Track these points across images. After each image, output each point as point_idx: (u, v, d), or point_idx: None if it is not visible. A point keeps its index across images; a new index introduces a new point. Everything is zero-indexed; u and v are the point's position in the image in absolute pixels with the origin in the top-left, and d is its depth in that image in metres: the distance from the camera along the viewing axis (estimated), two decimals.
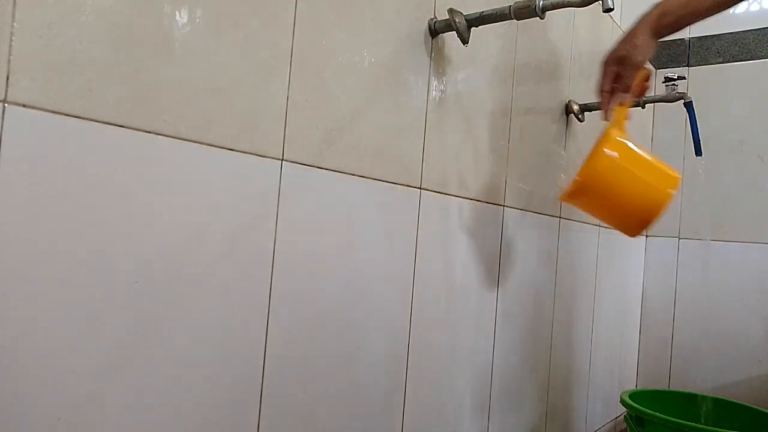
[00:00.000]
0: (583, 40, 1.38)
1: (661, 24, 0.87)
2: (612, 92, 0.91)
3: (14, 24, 0.45)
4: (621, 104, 0.90)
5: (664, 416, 1.19)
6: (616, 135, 0.87)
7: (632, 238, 1.78)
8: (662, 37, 0.89)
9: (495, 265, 1.10)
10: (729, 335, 1.72)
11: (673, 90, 1.31)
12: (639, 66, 0.88)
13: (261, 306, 0.66)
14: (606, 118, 0.92)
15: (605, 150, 0.84)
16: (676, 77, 1.30)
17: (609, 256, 1.61)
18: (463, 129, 0.98)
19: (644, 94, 0.94)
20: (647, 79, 0.92)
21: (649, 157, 0.88)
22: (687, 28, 1.97)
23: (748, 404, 1.42)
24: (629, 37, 0.88)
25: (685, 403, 1.47)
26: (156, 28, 0.55)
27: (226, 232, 0.62)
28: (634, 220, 0.88)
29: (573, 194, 0.87)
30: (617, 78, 0.90)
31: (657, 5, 0.88)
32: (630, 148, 0.86)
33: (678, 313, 1.82)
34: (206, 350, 0.61)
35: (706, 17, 0.91)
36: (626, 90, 0.89)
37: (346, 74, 0.75)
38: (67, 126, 0.49)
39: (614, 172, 0.84)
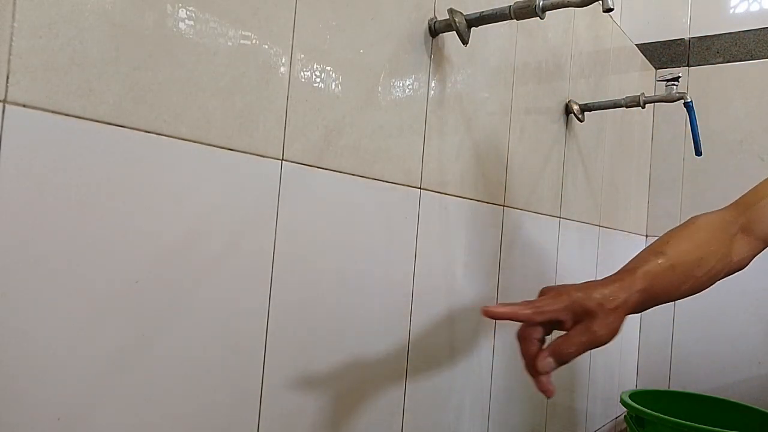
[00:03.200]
0: (583, 40, 1.38)
1: (639, 309, 0.65)
2: (540, 341, 0.64)
3: (14, 24, 0.45)
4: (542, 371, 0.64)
5: (664, 416, 1.19)
6: None
7: (632, 239, 1.78)
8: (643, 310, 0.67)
9: (495, 265, 1.10)
10: (729, 335, 1.72)
11: (673, 90, 1.31)
12: (599, 342, 0.62)
13: (261, 306, 0.66)
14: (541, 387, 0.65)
15: None
16: (670, 77, 1.30)
17: (609, 256, 1.61)
18: (463, 129, 0.98)
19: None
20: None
21: None
22: (687, 28, 1.97)
23: (748, 404, 1.42)
24: (605, 302, 0.61)
25: (685, 403, 1.47)
26: (156, 28, 0.55)
27: (226, 232, 0.62)
28: None
29: None
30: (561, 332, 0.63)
31: (642, 291, 0.64)
32: None
33: (678, 313, 1.82)
34: (206, 350, 0.61)
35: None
36: (560, 356, 0.64)
37: (346, 74, 0.75)
38: (67, 126, 0.49)
39: None
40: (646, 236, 1.88)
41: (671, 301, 0.70)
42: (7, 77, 0.45)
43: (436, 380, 0.96)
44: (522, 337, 0.64)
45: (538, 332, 0.64)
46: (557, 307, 0.62)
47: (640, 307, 0.65)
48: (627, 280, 0.64)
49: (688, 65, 1.84)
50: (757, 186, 0.76)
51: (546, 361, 0.64)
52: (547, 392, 0.64)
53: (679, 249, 0.71)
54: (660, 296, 0.67)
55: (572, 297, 0.61)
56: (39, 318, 0.48)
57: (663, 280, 0.67)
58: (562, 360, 0.63)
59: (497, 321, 1.11)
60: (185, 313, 0.58)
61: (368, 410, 0.82)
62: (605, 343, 0.62)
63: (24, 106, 0.46)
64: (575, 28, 1.34)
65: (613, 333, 0.62)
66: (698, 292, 0.74)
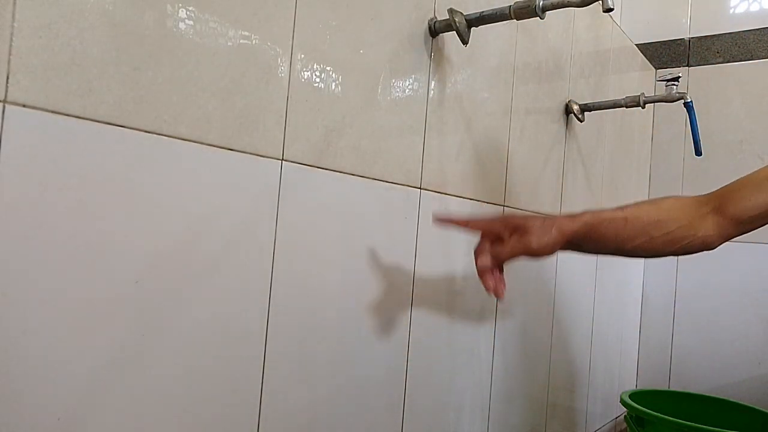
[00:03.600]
0: (583, 40, 1.38)
1: (577, 238, 0.71)
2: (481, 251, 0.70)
3: (14, 24, 0.45)
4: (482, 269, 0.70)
5: (664, 416, 1.19)
6: None
7: None
8: (565, 249, 0.73)
9: None
10: (729, 335, 1.72)
11: (673, 90, 1.31)
12: (531, 251, 0.68)
13: (261, 305, 0.66)
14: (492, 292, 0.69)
15: None
16: (670, 77, 1.30)
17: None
18: (463, 129, 0.98)
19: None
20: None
21: None
22: (687, 28, 1.97)
23: (748, 404, 1.42)
24: (544, 219, 0.70)
25: (685, 403, 1.47)
26: (156, 28, 0.55)
27: (226, 232, 0.62)
28: None
29: None
30: (496, 243, 0.70)
31: (585, 223, 0.71)
32: None
33: (678, 314, 1.82)
34: (206, 350, 0.61)
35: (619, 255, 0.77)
36: (495, 263, 0.69)
37: (346, 74, 0.75)
38: (67, 126, 0.49)
39: None
40: None
41: (623, 253, 0.75)
42: (7, 77, 0.45)
43: (436, 380, 0.96)
44: (475, 252, 0.71)
45: (483, 244, 0.71)
46: (492, 219, 0.73)
47: (579, 239, 0.72)
48: (573, 215, 0.73)
49: (688, 65, 1.84)
50: (737, 179, 0.78)
51: (483, 257, 0.70)
52: (495, 292, 0.69)
53: (639, 208, 0.75)
54: (606, 239, 0.72)
55: (509, 215, 0.72)
56: (39, 318, 0.48)
57: (611, 226, 0.72)
58: (498, 258, 0.69)
59: (497, 321, 1.11)
60: (185, 313, 0.58)
61: (368, 410, 0.82)
62: (537, 255, 0.69)
63: (24, 106, 0.46)
64: (575, 28, 1.34)
65: (545, 247, 0.69)
66: (656, 255, 0.77)
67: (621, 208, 0.75)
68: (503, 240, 0.70)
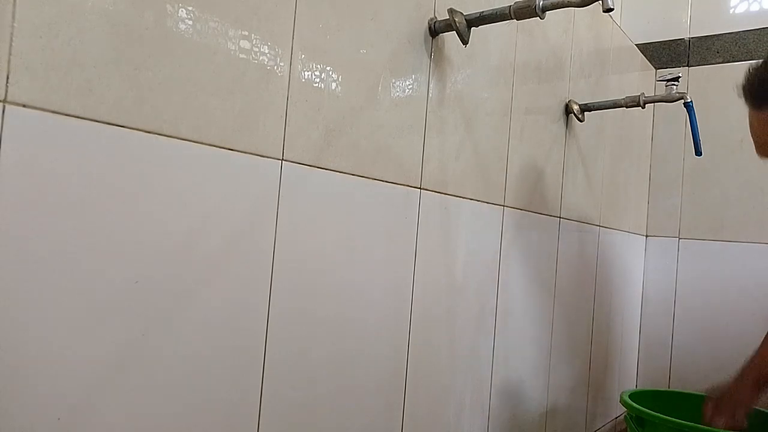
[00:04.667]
0: (583, 40, 1.38)
1: (758, 380, 1.02)
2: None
3: (14, 24, 0.45)
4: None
5: (664, 416, 1.19)
6: None
7: (632, 239, 1.78)
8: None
9: (495, 265, 1.10)
10: (729, 335, 1.72)
11: (673, 90, 1.31)
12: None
13: (261, 305, 0.66)
14: None
15: None
16: (670, 77, 1.30)
17: (609, 256, 1.61)
18: (463, 129, 0.98)
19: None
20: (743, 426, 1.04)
21: None
22: (687, 28, 1.97)
23: None
24: (737, 389, 1.04)
25: (685, 403, 1.47)
26: (156, 28, 0.55)
27: (225, 232, 0.62)
28: None
29: None
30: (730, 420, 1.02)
31: (752, 365, 1.05)
32: None
33: (678, 314, 1.82)
34: (206, 350, 0.61)
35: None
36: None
37: (347, 74, 0.75)
38: (67, 126, 0.49)
39: None
40: (646, 236, 1.88)
41: None
42: (7, 77, 0.45)
43: (436, 380, 0.96)
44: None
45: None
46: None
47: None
48: (739, 388, 1.05)
49: (688, 65, 1.84)
50: None
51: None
52: None
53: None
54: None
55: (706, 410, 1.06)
56: (39, 318, 0.48)
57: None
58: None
59: (497, 320, 1.11)
60: (185, 312, 0.58)
61: (368, 410, 0.82)
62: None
63: (24, 106, 0.46)
64: (575, 28, 1.34)
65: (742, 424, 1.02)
66: None
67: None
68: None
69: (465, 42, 0.88)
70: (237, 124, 0.62)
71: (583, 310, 1.48)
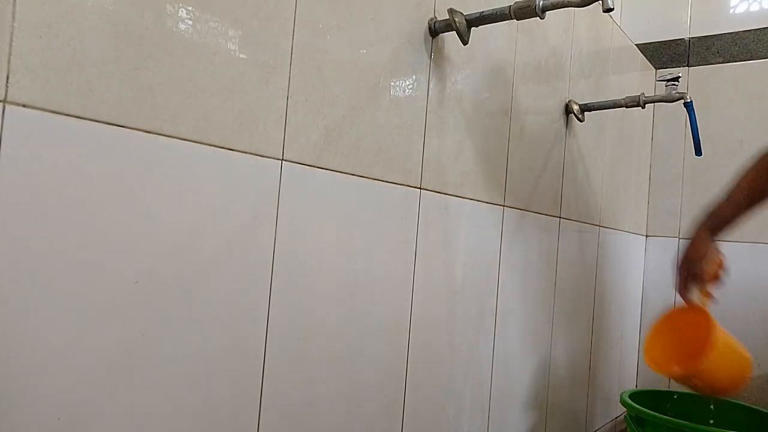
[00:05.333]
0: (583, 40, 1.38)
1: (714, 226, 1.01)
2: (688, 288, 1.02)
3: (14, 24, 0.45)
4: (702, 292, 1.02)
5: (664, 416, 1.19)
6: (717, 328, 0.98)
7: (632, 239, 1.78)
8: (720, 235, 1.01)
9: (495, 265, 1.10)
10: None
11: (673, 90, 1.31)
12: (707, 274, 1.00)
13: (261, 305, 0.66)
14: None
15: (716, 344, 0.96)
16: (669, 77, 1.30)
17: (609, 256, 1.61)
18: (463, 129, 0.98)
19: (719, 279, 1.03)
20: (720, 266, 1.02)
21: (731, 342, 1.02)
22: (687, 28, 1.98)
23: (748, 404, 1.42)
24: (691, 242, 1.01)
25: (685, 403, 1.47)
26: (156, 28, 0.55)
27: (225, 232, 0.62)
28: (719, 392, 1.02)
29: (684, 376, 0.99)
30: (690, 277, 1.01)
31: (707, 212, 1.03)
32: (726, 339, 1.00)
33: None
34: (206, 350, 0.61)
35: (751, 211, 1.01)
36: (701, 283, 1.00)
37: (347, 74, 0.75)
38: (67, 126, 0.49)
39: (718, 362, 0.98)
40: (646, 236, 1.88)
41: (741, 216, 1.00)
42: (7, 77, 0.45)
43: (436, 380, 0.96)
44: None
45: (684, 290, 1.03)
46: (680, 281, 1.03)
47: (722, 231, 1.01)
48: (702, 224, 1.02)
49: (688, 65, 1.84)
50: None
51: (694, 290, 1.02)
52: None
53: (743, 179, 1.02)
54: (739, 219, 1.01)
55: (680, 266, 1.02)
56: (39, 318, 0.48)
57: (730, 209, 1.02)
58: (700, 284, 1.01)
59: (497, 320, 1.11)
60: (185, 312, 0.58)
61: (368, 410, 0.82)
62: (710, 271, 1.00)
63: (24, 106, 0.46)
64: (575, 28, 1.34)
65: (710, 264, 1.00)
66: None
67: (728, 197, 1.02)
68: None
69: (465, 42, 0.88)
70: (237, 124, 0.62)
71: (583, 310, 1.48)
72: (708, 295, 1.02)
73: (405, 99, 0.85)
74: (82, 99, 0.50)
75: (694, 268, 1.00)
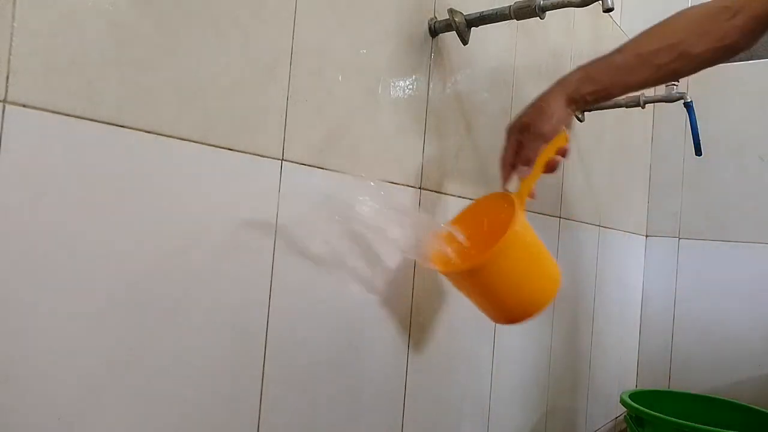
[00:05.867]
0: (583, 40, 1.38)
1: (580, 91, 0.75)
2: (514, 164, 0.78)
3: (14, 24, 0.45)
4: (523, 178, 0.77)
5: (664, 416, 1.19)
6: (521, 222, 0.73)
7: (632, 239, 1.78)
8: (581, 108, 0.79)
9: None
10: (729, 336, 1.72)
11: (673, 90, 1.31)
12: (544, 137, 0.75)
13: (261, 306, 0.66)
14: (503, 189, 0.79)
15: (510, 240, 0.70)
16: None
17: (609, 256, 1.61)
18: (463, 129, 0.98)
19: (555, 168, 0.79)
20: (562, 152, 0.78)
21: (541, 250, 0.79)
22: None
23: (748, 404, 1.42)
24: (538, 101, 0.76)
25: (685, 403, 1.47)
26: (156, 28, 0.55)
27: (225, 232, 0.62)
28: (513, 313, 0.78)
29: (463, 274, 0.75)
30: (520, 148, 0.77)
31: (579, 69, 0.77)
32: (530, 241, 0.76)
33: (678, 314, 1.81)
34: (206, 350, 0.61)
35: (636, 91, 0.80)
36: (526, 163, 0.76)
37: (346, 74, 0.75)
38: (67, 126, 0.49)
39: (513, 264, 0.73)
40: (646, 236, 1.88)
41: (637, 87, 0.77)
42: (7, 77, 0.45)
43: (436, 381, 0.96)
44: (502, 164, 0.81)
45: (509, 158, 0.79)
46: (506, 144, 0.79)
47: (585, 94, 0.75)
48: (564, 80, 0.77)
49: None
50: None
51: (520, 168, 0.77)
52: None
53: (635, 41, 0.76)
54: (610, 84, 0.75)
55: (510, 127, 0.79)
56: (39, 318, 0.48)
57: (605, 66, 0.76)
58: (527, 161, 0.76)
59: (496, 325, 1.11)
60: (185, 313, 0.58)
61: (368, 411, 0.82)
62: (550, 133, 0.75)
63: (24, 106, 0.46)
64: (575, 28, 1.34)
65: (556, 130, 0.75)
66: (674, 78, 0.79)
67: (618, 49, 0.76)
68: (522, 146, 0.76)
69: (465, 42, 0.88)
70: (237, 124, 0.62)
71: (583, 310, 1.48)
72: (530, 183, 0.77)
73: (405, 99, 0.85)
74: (82, 99, 0.50)
75: (529, 144, 0.75)
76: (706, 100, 1.77)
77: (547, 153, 0.77)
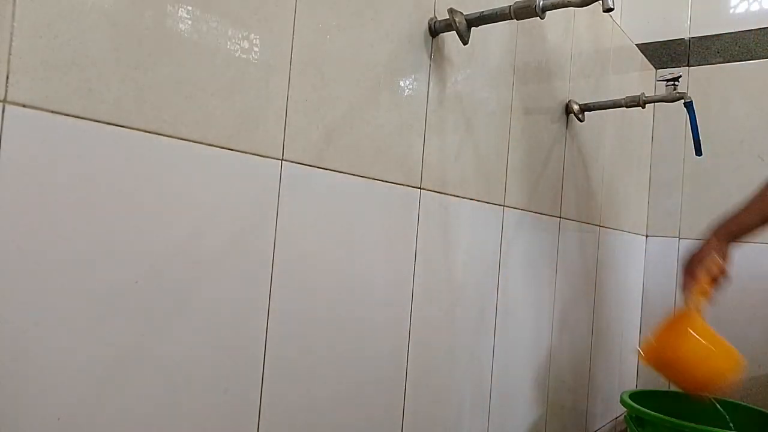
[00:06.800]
0: (583, 40, 1.38)
1: (726, 232, 1.03)
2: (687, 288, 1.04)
3: (14, 24, 0.45)
4: (697, 292, 1.02)
5: (664, 416, 1.19)
6: (698, 320, 1.00)
7: (632, 239, 1.78)
8: (732, 242, 1.05)
9: (495, 265, 1.10)
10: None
11: (674, 90, 1.31)
12: (704, 264, 1.02)
13: (261, 305, 0.66)
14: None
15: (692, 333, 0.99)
16: (670, 77, 1.30)
17: (609, 256, 1.61)
18: (463, 129, 0.98)
19: (717, 282, 1.04)
20: (722, 271, 1.03)
21: (714, 337, 1.02)
22: (687, 28, 1.98)
23: (748, 404, 1.42)
24: (701, 244, 1.04)
25: (685, 403, 1.47)
26: (156, 28, 0.55)
27: (225, 232, 0.62)
28: (699, 388, 1.03)
29: (659, 361, 1.02)
30: (690, 275, 1.03)
31: (723, 217, 1.06)
32: (708, 333, 1.01)
33: None
34: (206, 350, 0.61)
35: (763, 228, 1.04)
36: (697, 284, 1.02)
37: (346, 74, 0.75)
38: (67, 126, 0.49)
39: (696, 354, 1.00)
40: (646, 236, 1.88)
41: (753, 230, 1.03)
42: (7, 77, 0.45)
43: (436, 380, 0.96)
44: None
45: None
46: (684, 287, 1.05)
47: (727, 231, 1.04)
48: (716, 241, 1.04)
49: (688, 65, 1.84)
50: None
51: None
52: None
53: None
54: (735, 229, 1.04)
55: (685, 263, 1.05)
56: (39, 318, 0.48)
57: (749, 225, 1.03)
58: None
59: (497, 320, 1.11)
60: (185, 313, 0.58)
61: (368, 410, 0.82)
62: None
63: (24, 106, 0.46)
64: (575, 28, 1.34)
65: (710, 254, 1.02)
66: None
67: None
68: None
69: (465, 42, 0.88)
70: (237, 124, 0.62)
71: (583, 310, 1.48)
72: (705, 295, 1.02)
73: (405, 99, 0.85)
74: (82, 99, 0.50)
75: (694, 269, 1.01)
76: (706, 100, 1.78)
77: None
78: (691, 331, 0.99)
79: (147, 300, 0.55)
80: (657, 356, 1.02)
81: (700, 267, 1.01)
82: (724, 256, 1.02)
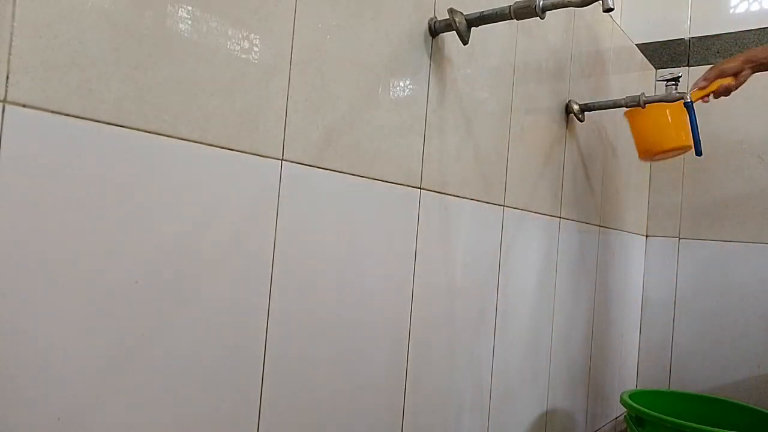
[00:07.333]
0: (583, 40, 1.38)
1: (749, 59, 1.21)
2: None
3: (14, 24, 0.45)
4: (701, 85, 1.21)
5: (664, 416, 1.19)
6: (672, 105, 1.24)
7: (632, 239, 1.78)
8: (753, 68, 1.22)
9: (495, 265, 1.10)
10: (729, 335, 1.72)
11: (674, 90, 1.31)
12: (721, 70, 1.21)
13: (261, 305, 0.66)
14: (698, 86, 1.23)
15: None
16: (670, 77, 1.30)
17: (609, 256, 1.61)
18: (463, 129, 0.98)
19: (724, 89, 1.21)
20: (732, 81, 1.21)
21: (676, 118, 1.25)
22: (687, 28, 1.98)
23: (748, 404, 1.42)
24: (730, 61, 1.21)
25: (685, 403, 1.47)
26: (156, 28, 0.55)
27: (225, 232, 0.62)
28: (651, 148, 1.29)
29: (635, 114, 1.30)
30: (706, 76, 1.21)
31: (752, 51, 1.23)
32: (673, 112, 1.24)
33: (678, 313, 1.82)
34: (206, 350, 0.61)
35: None
36: (706, 79, 1.22)
37: (346, 74, 0.75)
38: (67, 126, 0.49)
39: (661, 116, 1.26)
40: (646, 236, 1.88)
41: None
42: (7, 77, 0.45)
43: (436, 380, 0.96)
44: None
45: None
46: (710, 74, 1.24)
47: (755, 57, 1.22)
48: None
49: (688, 65, 1.84)
50: None
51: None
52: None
53: None
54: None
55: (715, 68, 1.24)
56: (39, 318, 0.48)
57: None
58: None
59: (497, 320, 1.11)
60: (185, 312, 0.58)
61: (368, 410, 0.82)
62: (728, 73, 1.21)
63: (24, 106, 0.46)
64: (575, 28, 1.34)
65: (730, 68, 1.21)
66: None
67: None
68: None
69: (465, 42, 0.88)
70: (237, 124, 0.62)
71: (583, 310, 1.48)
72: (702, 91, 1.21)
73: (405, 99, 0.85)
74: (82, 99, 0.50)
75: (710, 73, 1.20)
76: None
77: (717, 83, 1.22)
78: (665, 108, 1.23)
79: (147, 300, 0.55)
80: (632, 117, 1.28)
81: (715, 73, 1.19)
82: (739, 75, 1.20)
